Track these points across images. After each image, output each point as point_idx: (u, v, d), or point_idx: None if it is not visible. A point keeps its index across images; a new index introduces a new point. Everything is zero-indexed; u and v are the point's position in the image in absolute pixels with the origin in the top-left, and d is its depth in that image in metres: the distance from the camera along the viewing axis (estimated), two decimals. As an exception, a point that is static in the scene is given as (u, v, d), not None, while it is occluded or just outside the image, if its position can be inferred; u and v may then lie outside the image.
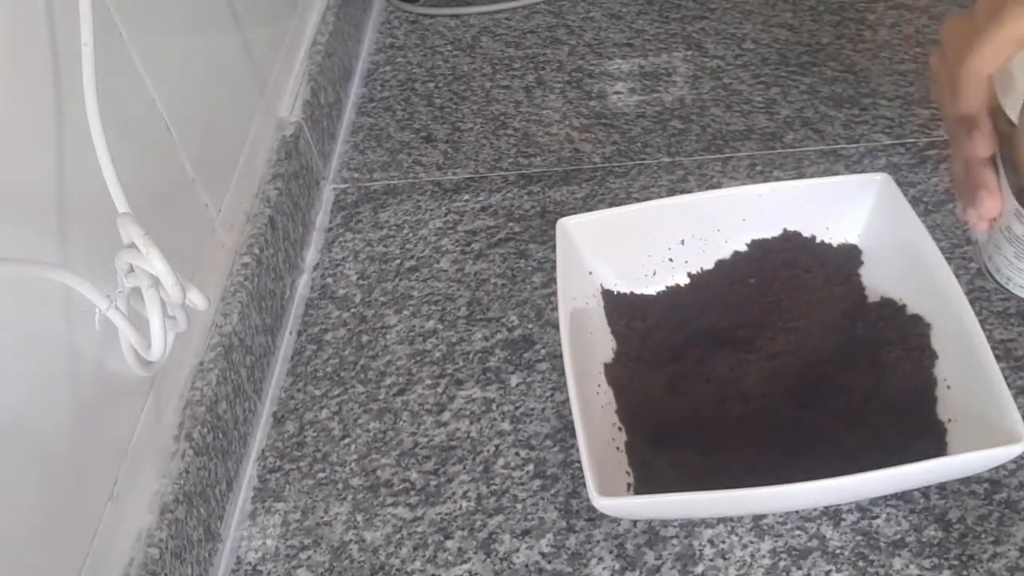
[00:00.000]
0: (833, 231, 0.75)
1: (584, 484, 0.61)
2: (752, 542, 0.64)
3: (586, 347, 0.70)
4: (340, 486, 0.72)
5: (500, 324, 0.81)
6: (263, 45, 0.90)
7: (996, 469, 0.64)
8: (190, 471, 0.65)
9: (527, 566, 0.65)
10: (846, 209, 0.74)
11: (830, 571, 0.62)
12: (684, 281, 0.77)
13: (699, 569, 0.63)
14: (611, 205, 0.88)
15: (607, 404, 0.69)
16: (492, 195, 0.92)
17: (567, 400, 0.65)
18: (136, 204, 0.56)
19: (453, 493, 0.70)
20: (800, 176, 0.87)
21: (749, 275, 0.75)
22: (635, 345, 0.73)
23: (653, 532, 0.65)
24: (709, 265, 0.77)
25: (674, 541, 0.65)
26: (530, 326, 0.80)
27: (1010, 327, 0.73)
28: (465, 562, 0.66)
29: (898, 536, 0.63)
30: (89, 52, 0.55)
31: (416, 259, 0.87)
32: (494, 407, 0.75)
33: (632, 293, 0.76)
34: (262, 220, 0.81)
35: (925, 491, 0.65)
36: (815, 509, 0.65)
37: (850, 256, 0.75)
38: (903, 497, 0.65)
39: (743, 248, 0.76)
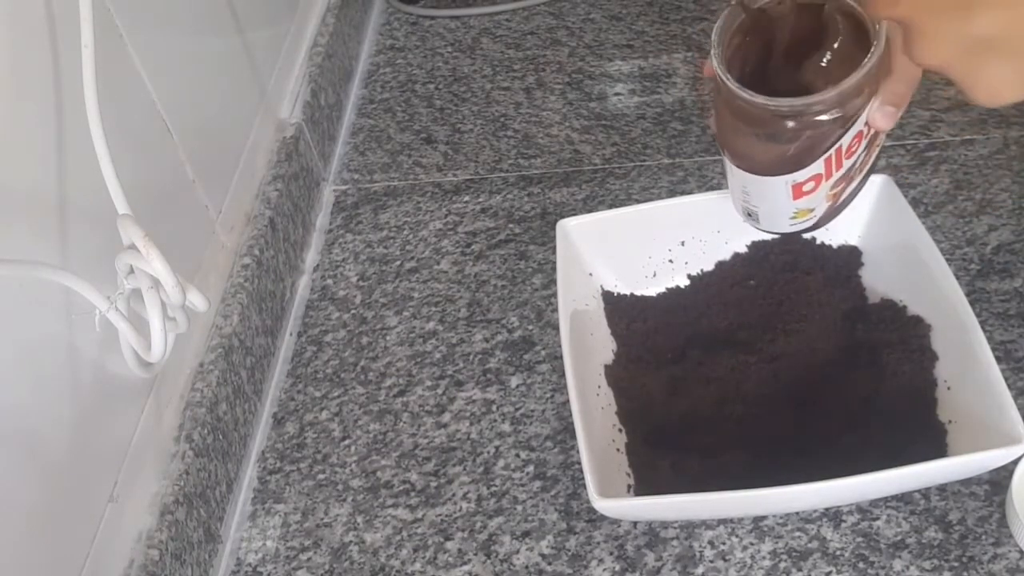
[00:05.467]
0: (833, 232, 0.75)
1: (584, 485, 0.61)
2: (752, 543, 0.64)
3: (586, 348, 0.70)
4: (340, 487, 0.72)
5: (500, 325, 0.81)
6: (263, 47, 0.90)
7: (996, 470, 0.64)
8: (190, 472, 0.65)
9: (527, 567, 0.65)
10: (846, 210, 0.74)
11: (830, 572, 0.62)
12: (684, 283, 0.77)
13: (699, 570, 0.63)
14: (611, 206, 0.88)
15: (607, 405, 0.69)
16: (492, 196, 0.92)
17: (567, 401, 0.65)
18: (136, 205, 0.56)
19: (453, 494, 0.70)
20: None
21: (749, 277, 0.75)
22: (635, 346, 0.73)
23: (653, 533, 0.65)
24: (709, 267, 0.77)
25: (674, 542, 0.65)
26: (530, 327, 0.80)
27: (1010, 328, 0.73)
28: (465, 563, 0.66)
29: (898, 537, 0.63)
30: (89, 54, 0.55)
31: (416, 260, 0.87)
32: (494, 408, 0.75)
33: (632, 294, 0.76)
34: (262, 221, 0.81)
35: (925, 492, 0.65)
36: (815, 510, 0.65)
37: (850, 257, 0.75)
38: (903, 498, 0.65)
39: (743, 250, 0.76)
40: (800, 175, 0.54)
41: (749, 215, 0.60)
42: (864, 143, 0.55)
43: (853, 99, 0.51)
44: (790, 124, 0.51)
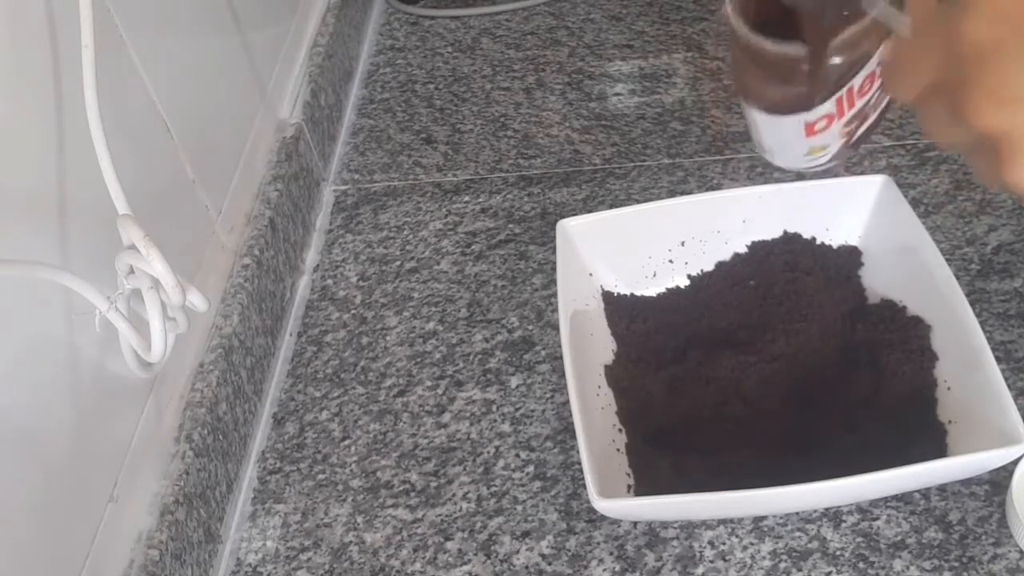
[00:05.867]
0: (833, 233, 0.75)
1: (584, 486, 0.61)
2: (752, 543, 0.64)
3: (586, 349, 0.70)
4: (340, 488, 0.72)
5: (500, 326, 0.81)
6: (263, 47, 0.90)
7: (996, 470, 0.64)
8: (190, 472, 0.65)
9: (527, 568, 0.65)
10: (846, 211, 0.74)
11: (830, 573, 0.62)
12: (684, 283, 0.77)
13: (699, 570, 0.63)
14: (611, 206, 0.88)
15: (607, 406, 0.69)
16: (492, 197, 0.92)
17: (567, 402, 0.65)
18: (136, 205, 0.56)
19: (453, 495, 0.70)
20: (800, 178, 0.87)
21: (749, 277, 0.75)
22: (635, 347, 0.73)
23: (653, 533, 0.65)
24: (709, 267, 0.77)
25: (674, 542, 0.65)
26: (530, 327, 0.80)
27: (1010, 328, 0.73)
28: (465, 563, 0.66)
29: (898, 538, 0.63)
30: (89, 54, 0.55)
31: (416, 260, 0.87)
32: (494, 409, 0.75)
33: (632, 295, 0.76)
34: (262, 222, 0.81)
35: (925, 492, 0.65)
36: (815, 510, 0.65)
37: (850, 258, 0.75)
38: (903, 499, 0.65)
39: (743, 250, 0.76)
40: (811, 115, 0.55)
41: (766, 151, 0.61)
42: (877, 83, 0.56)
43: (863, 42, 0.52)
44: (801, 67, 0.52)
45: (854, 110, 0.56)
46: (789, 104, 0.55)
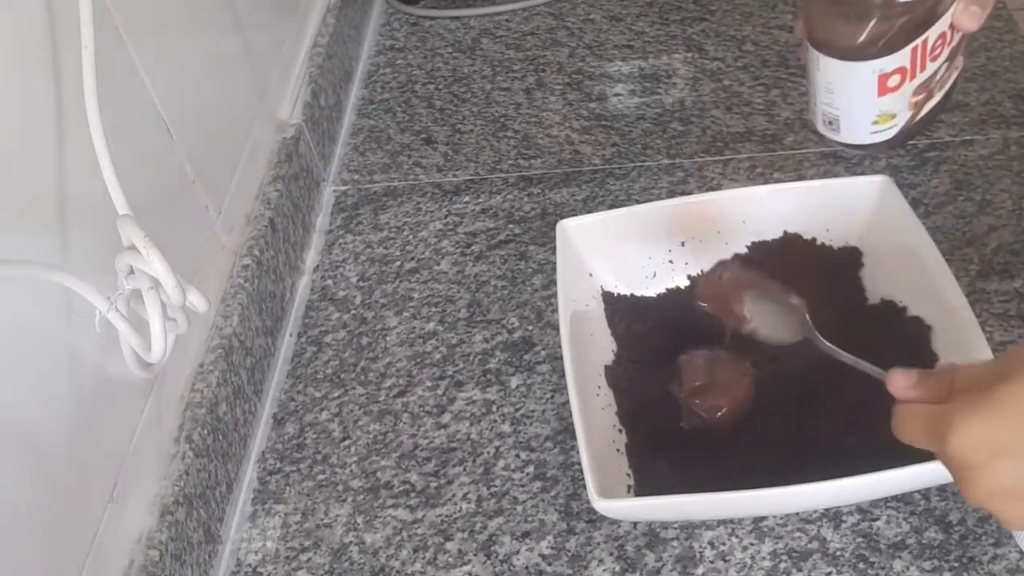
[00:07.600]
0: (833, 233, 0.75)
1: (584, 486, 0.61)
2: (752, 544, 0.64)
3: (586, 349, 0.70)
4: (340, 488, 0.72)
5: (500, 326, 0.81)
6: (263, 47, 0.90)
7: (996, 471, 0.64)
8: (190, 473, 0.65)
9: (527, 568, 0.65)
10: (846, 211, 0.74)
11: (830, 573, 0.62)
12: (684, 283, 0.77)
13: (699, 571, 0.63)
14: (611, 207, 0.88)
15: (607, 406, 0.69)
16: (492, 197, 0.92)
17: (567, 402, 0.65)
18: (136, 206, 0.56)
19: (453, 495, 0.70)
20: (800, 178, 0.87)
21: (749, 277, 0.75)
22: (635, 347, 0.73)
23: (653, 534, 0.65)
24: (709, 267, 0.76)
25: (674, 543, 0.65)
26: (530, 328, 0.80)
27: (1010, 329, 0.73)
28: (465, 564, 0.66)
29: (898, 538, 0.63)
30: (89, 54, 0.55)
31: (416, 261, 0.87)
32: (494, 409, 0.75)
33: (632, 295, 0.76)
34: (262, 222, 0.81)
35: (925, 493, 0.65)
36: (815, 511, 0.65)
37: (850, 258, 0.75)
38: (903, 499, 0.65)
39: (743, 250, 0.76)
40: (887, 63, 0.55)
41: (829, 123, 0.60)
42: (947, 51, 0.56)
43: None
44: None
45: (926, 73, 0.55)
46: (866, 46, 0.54)
